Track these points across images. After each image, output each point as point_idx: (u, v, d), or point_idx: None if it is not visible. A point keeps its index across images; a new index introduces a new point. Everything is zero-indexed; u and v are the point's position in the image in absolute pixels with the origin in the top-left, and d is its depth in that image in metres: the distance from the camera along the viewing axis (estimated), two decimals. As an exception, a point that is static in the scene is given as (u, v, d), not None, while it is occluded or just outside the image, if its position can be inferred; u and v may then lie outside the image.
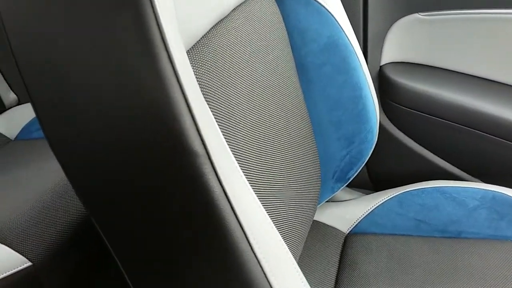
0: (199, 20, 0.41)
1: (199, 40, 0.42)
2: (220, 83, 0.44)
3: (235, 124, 0.46)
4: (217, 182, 0.30)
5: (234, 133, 0.46)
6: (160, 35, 0.27)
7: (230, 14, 0.49)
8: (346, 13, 0.69)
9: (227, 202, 0.30)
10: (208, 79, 0.42)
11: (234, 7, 0.50)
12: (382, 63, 0.88)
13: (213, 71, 0.43)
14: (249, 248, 0.32)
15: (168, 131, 0.28)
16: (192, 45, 0.40)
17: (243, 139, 0.48)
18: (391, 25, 0.85)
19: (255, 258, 0.32)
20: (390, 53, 0.87)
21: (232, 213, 0.31)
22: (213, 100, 0.42)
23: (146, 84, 0.28)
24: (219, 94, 0.44)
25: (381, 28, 0.85)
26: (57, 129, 0.33)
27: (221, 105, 0.44)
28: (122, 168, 0.32)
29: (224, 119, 0.44)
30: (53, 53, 0.30)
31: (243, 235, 0.31)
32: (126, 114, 0.29)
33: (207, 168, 0.30)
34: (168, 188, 0.31)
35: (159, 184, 0.31)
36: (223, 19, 0.48)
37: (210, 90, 0.42)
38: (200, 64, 0.41)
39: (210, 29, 0.44)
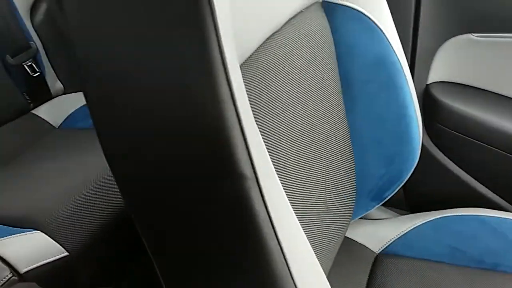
0: (253, 34, 0.41)
1: (251, 55, 0.42)
2: (267, 98, 0.44)
3: (277, 140, 0.46)
4: (263, 206, 0.30)
5: (276, 149, 0.46)
6: (220, 57, 0.27)
7: (281, 28, 0.49)
8: (396, 28, 0.67)
9: (271, 227, 0.30)
10: (257, 94, 0.42)
11: (286, 21, 0.50)
12: (429, 81, 0.86)
13: (262, 86, 0.43)
14: (288, 273, 0.31)
15: (219, 153, 0.29)
16: (244, 59, 0.40)
17: (284, 154, 0.47)
18: (442, 44, 0.82)
19: (292, 283, 0.32)
20: (438, 72, 0.85)
21: (275, 238, 0.31)
22: (259, 116, 0.42)
23: (203, 104, 0.28)
24: (265, 110, 0.43)
25: (430, 45, 0.83)
26: (110, 132, 0.33)
27: (266, 121, 0.44)
28: (169, 178, 0.32)
29: (268, 135, 0.44)
30: (116, 60, 0.30)
31: (283, 260, 0.31)
32: (180, 128, 0.30)
33: (254, 192, 0.30)
34: (213, 206, 0.31)
35: (204, 199, 0.31)
36: (275, 33, 0.47)
37: (257, 106, 0.42)
38: (251, 80, 0.41)
39: (262, 43, 0.44)
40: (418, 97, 0.76)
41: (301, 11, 0.54)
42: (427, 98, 0.85)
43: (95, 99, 0.33)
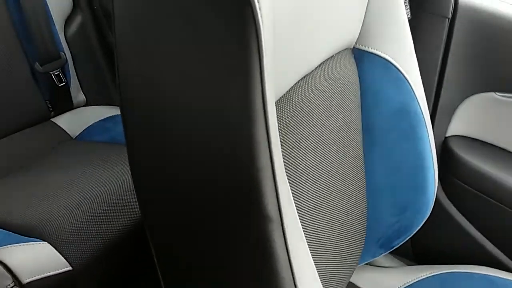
0: (287, 76, 0.42)
1: (283, 96, 0.43)
2: (293, 139, 0.44)
3: (298, 181, 0.46)
4: (285, 251, 0.30)
5: (296, 190, 0.46)
6: (262, 102, 0.27)
7: (313, 71, 0.50)
8: (422, 79, 0.68)
9: (289, 271, 0.30)
10: (284, 134, 0.42)
11: (318, 65, 0.51)
12: (448, 134, 0.86)
13: (289, 127, 0.43)
14: None
15: (249, 193, 0.29)
16: (276, 100, 0.41)
17: (302, 195, 0.48)
18: (465, 99, 0.83)
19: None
20: (458, 126, 0.85)
21: (293, 283, 0.30)
22: (284, 156, 0.43)
23: (239, 143, 0.28)
24: (290, 150, 0.44)
25: (453, 99, 0.83)
26: (142, 154, 0.34)
27: (290, 161, 0.44)
28: (196, 209, 0.32)
29: (290, 175, 0.44)
30: (160, 86, 0.31)
31: None
32: (213, 162, 0.30)
33: (277, 235, 0.30)
34: (235, 243, 0.31)
35: (227, 235, 0.31)
36: (306, 75, 0.48)
37: (283, 146, 0.42)
38: (280, 120, 0.42)
39: (294, 85, 0.45)
40: (436, 149, 0.76)
41: (333, 55, 0.55)
42: (444, 151, 0.86)
43: (131, 118, 0.34)
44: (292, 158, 0.45)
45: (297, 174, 0.46)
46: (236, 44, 0.27)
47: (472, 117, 0.84)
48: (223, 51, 0.28)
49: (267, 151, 0.28)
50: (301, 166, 0.46)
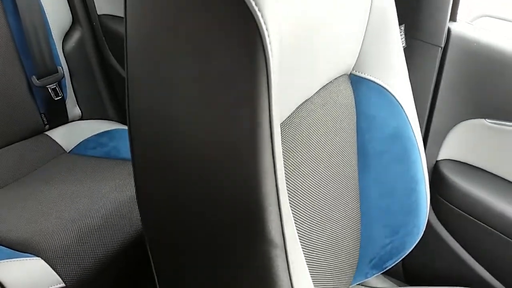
0: (288, 102, 0.43)
1: (283, 121, 0.44)
2: (293, 163, 0.45)
3: (297, 203, 0.47)
4: (287, 276, 0.31)
5: (295, 211, 0.47)
6: (269, 133, 0.29)
7: (312, 96, 0.52)
8: (415, 104, 0.70)
9: None
10: (285, 159, 0.43)
11: (317, 90, 0.52)
12: (440, 158, 0.88)
13: (290, 151, 0.45)
14: None
15: (254, 218, 0.30)
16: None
17: (300, 217, 0.48)
18: (456, 124, 0.85)
19: None
20: (449, 150, 0.87)
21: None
22: (285, 180, 0.44)
23: (245, 170, 0.29)
24: (290, 173, 0.45)
25: (445, 124, 0.86)
26: (147, 170, 0.34)
27: (290, 185, 0.45)
28: (201, 232, 0.33)
29: (290, 198, 0.45)
30: (168, 104, 0.32)
31: None
32: (217, 186, 0.31)
33: (281, 261, 0.30)
34: (238, 268, 0.32)
35: (230, 259, 0.32)
36: (306, 100, 0.50)
37: (285, 170, 0.43)
38: (281, 145, 0.43)
39: (294, 110, 0.46)
40: (427, 172, 0.78)
41: (331, 81, 0.56)
42: (436, 174, 0.87)
43: (137, 134, 0.34)
44: (292, 182, 0.46)
45: (296, 198, 0.47)
46: (249, 77, 0.28)
47: (463, 143, 0.86)
48: (234, 84, 0.29)
49: (273, 178, 0.29)
50: (300, 189, 0.48)
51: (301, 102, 0.48)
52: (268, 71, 0.28)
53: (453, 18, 0.84)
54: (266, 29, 0.28)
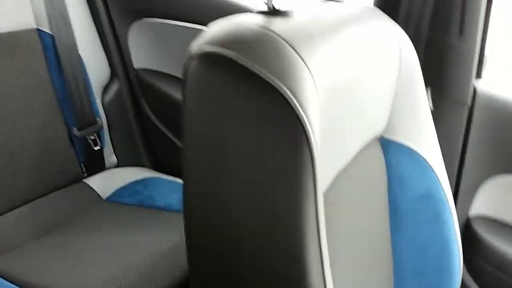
0: (328, 173, 0.45)
1: (324, 191, 0.46)
2: (331, 231, 0.47)
3: (335, 269, 0.48)
4: None
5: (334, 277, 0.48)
6: (315, 212, 0.31)
7: (348, 163, 0.54)
8: (444, 159, 0.71)
9: None
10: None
11: (350, 160, 0.55)
12: (471, 214, 0.88)
13: (328, 220, 0.46)
14: None
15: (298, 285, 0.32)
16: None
17: (339, 283, 0.50)
18: (486, 180, 0.86)
19: None
20: (480, 206, 0.87)
21: None
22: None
23: (290, 242, 0.32)
24: (329, 242, 0.46)
25: (475, 180, 0.86)
26: (199, 236, 0.37)
27: (329, 252, 0.47)
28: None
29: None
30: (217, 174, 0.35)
31: None
32: (262, 255, 0.33)
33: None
34: None
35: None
36: (342, 168, 0.52)
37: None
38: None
39: (333, 179, 0.49)
40: (459, 229, 0.78)
41: (362, 148, 0.59)
42: (467, 231, 0.87)
43: (190, 215, 0.37)
44: (330, 250, 0.47)
45: (334, 265, 0.48)
46: (295, 167, 0.31)
47: (494, 198, 0.86)
48: (282, 174, 0.32)
49: (318, 248, 0.32)
50: (338, 256, 0.49)
51: (338, 171, 0.50)
52: (313, 161, 0.31)
53: (478, 75, 0.85)
54: (310, 128, 0.32)
